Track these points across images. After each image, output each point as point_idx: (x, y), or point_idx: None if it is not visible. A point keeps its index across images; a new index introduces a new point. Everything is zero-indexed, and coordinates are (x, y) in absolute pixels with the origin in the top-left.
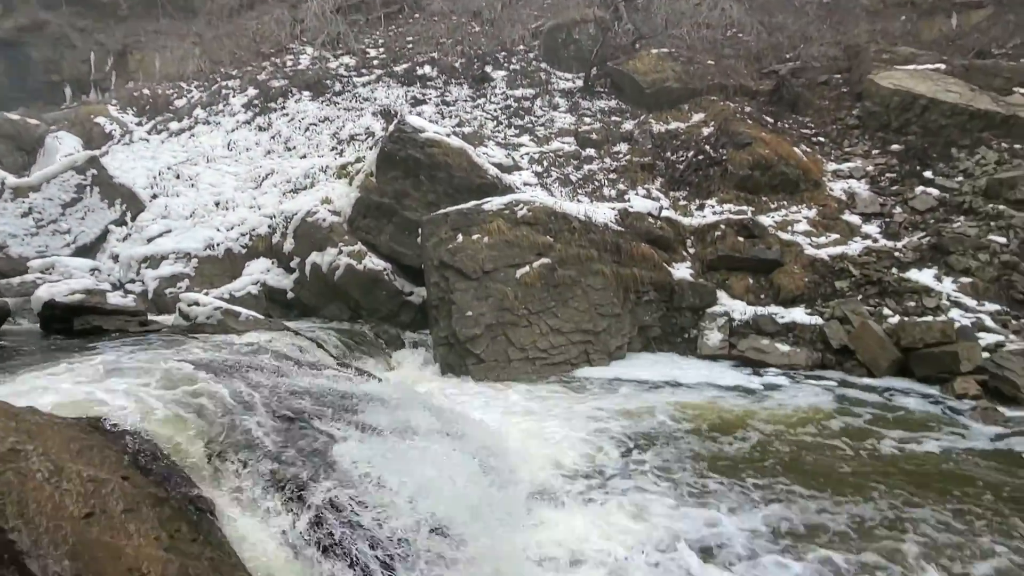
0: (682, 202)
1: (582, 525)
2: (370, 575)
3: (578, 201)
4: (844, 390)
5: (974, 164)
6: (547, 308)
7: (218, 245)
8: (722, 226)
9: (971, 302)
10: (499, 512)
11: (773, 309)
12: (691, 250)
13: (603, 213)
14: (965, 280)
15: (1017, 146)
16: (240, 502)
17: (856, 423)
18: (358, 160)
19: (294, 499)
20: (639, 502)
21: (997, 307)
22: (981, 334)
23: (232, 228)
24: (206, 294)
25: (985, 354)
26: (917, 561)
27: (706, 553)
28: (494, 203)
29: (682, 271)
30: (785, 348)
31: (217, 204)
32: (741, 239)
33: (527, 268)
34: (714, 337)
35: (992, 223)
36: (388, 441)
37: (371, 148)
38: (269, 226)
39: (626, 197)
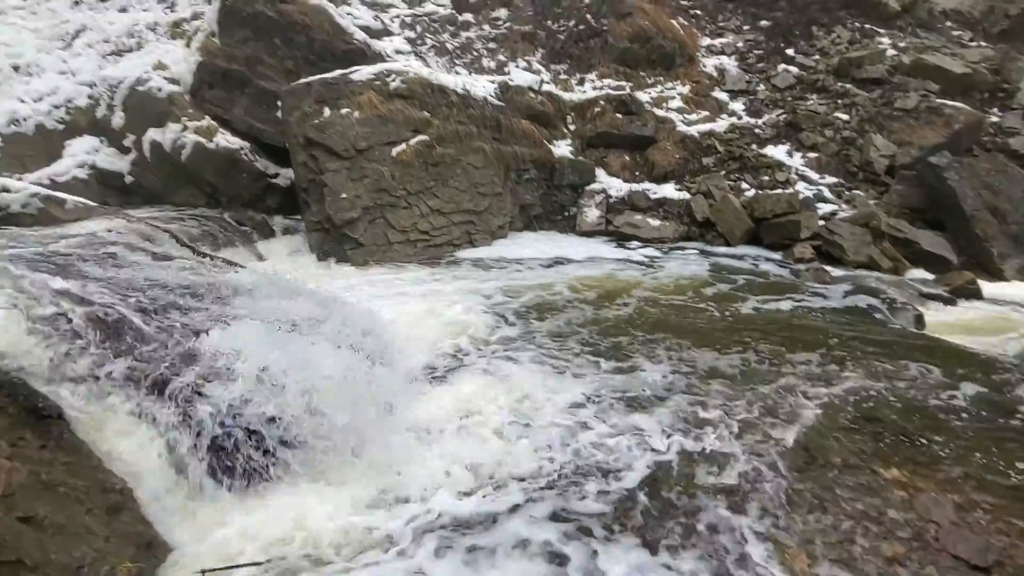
0: (563, 76)
1: (465, 395)
2: (237, 459)
3: (456, 73)
4: (715, 259)
5: (830, 43)
6: (427, 188)
7: (25, 120)
8: (601, 102)
9: (814, 175)
10: (381, 391)
11: (647, 185)
12: (571, 127)
13: (482, 86)
14: (811, 155)
15: (869, 26)
16: (96, 404)
17: (724, 288)
18: (195, 17)
19: (156, 395)
20: (521, 370)
21: (835, 180)
22: (820, 204)
23: (41, 99)
24: (18, 179)
25: (821, 222)
26: (792, 388)
27: (585, 408)
28: (363, 73)
29: (563, 148)
30: (656, 223)
31: (16, 69)
32: (619, 116)
33: (403, 146)
34: (592, 214)
35: (839, 101)
36: (256, 329)
37: (209, 1)
38: (90, 96)
39: (506, 69)
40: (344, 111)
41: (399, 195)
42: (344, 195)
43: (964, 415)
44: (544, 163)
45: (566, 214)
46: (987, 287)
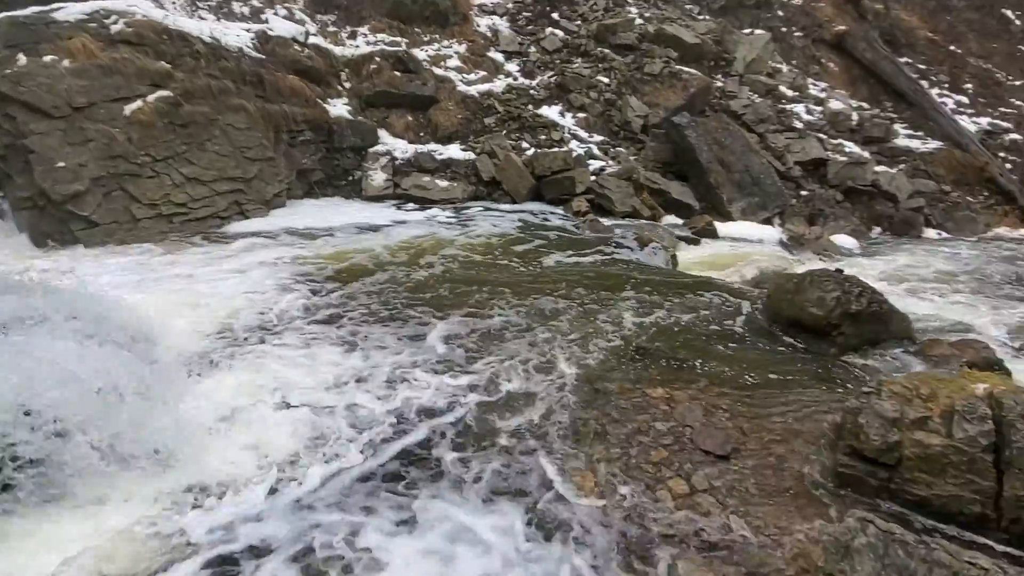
0: (331, 28)
1: (241, 381)
2: None
3: (199, 18)
4: (502, 217)
5: (588, 9)
6: (178, 153)
7: None
8: (377, 58)
9: (584, 134)
10: (142, 388)
11: (432, 147)
12: (347, 84)
13: (236, 35)
14: (581, 115)
15: None
16: None
17: (529, 243)
18: None
19: None
20: (309, 349)
21: (601, 138)
22: (591, 161)
23: None
24: None
25: (592, 177)
26: (579, 330)
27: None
28: (71, 11)
29: (339, 108)
30: (445, 184)
31: None
32: (398, 74)
33: (139, 103)
34: (378, 177)
35: (600, 65)
36: None
37: None
38: None
39: (263, 17)
40: (48, 59)
41: (141, 162)
42: (62, 163)
43: (711, 334)
44: (320, 124)
45: (351, 178)
46: (721, 227)
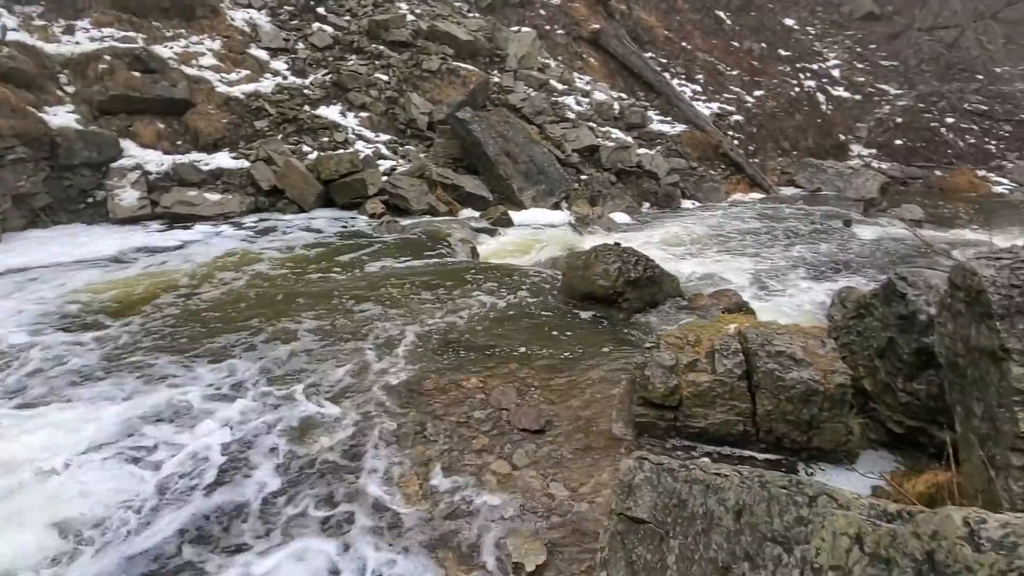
0: (38, 21)
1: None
2: None
3: None
4: (304, 226)
5: (357, 4)
6: None
7: None
8: (107, 57)
9: (370, 134)
10: None
11: (195, 156)
12: (69, 89)
13: None
14: (363, 114)
15: None
16: None
17: (326, 252)
18: None
19: None
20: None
21: (388, 137)
22: (380, 161)
23: None
24: None
25: (384, 178)
26: (386, 333)
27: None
28: None
29: (63, 117)
30: (216, 197)
31: None
32: (137, 74)
33: None
34: (129, 196)
35: (376, 62)
36: None
37: None
38: None
39: None
40: None
41: None
42: None
43: (517, 318)
44: (37, 138)
45: (91, 200)
46: (516, 216)
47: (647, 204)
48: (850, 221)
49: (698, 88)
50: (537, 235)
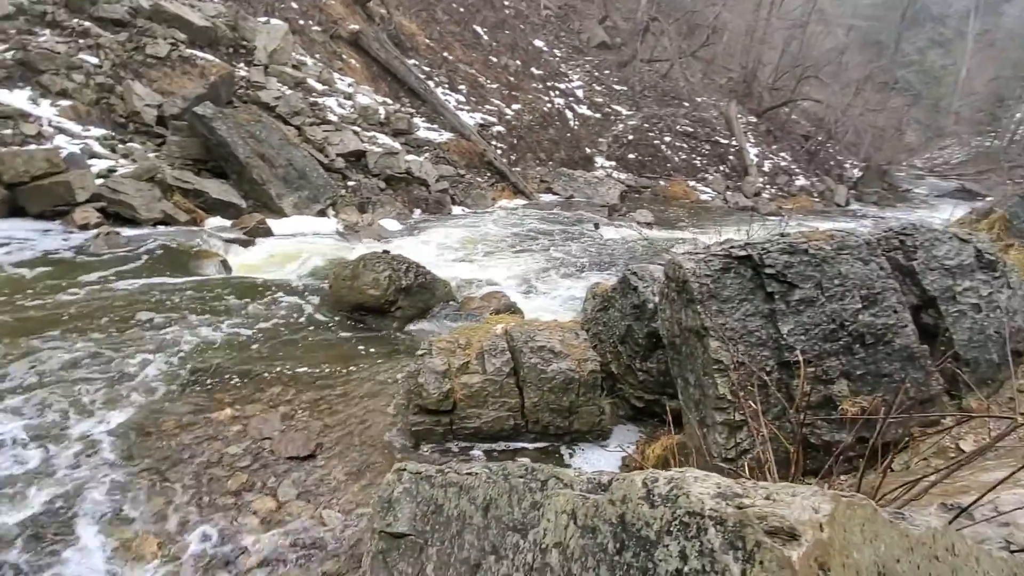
0: None
1: None
2: None
3: None
4: None
5: None
6: None
7: None
8: None
9: (76, 127)
10: None
11: None
12: None
13: None
14: (65, 103)
15: None
16: None
17: (21, 276)
18: None
19: None
20: None
21: (104, 131)
22: (92, 161)
23: None
24: None
25: (99, 180)
26: (115, 365)
27: None
28: None
29: None
30: None
31: None
32: None
33: None
34: None
35: (81, 41)
36: None
37: None
38: None
39: None
40: None
41: None
42: None
43: (279, 336)
44: None
45: None
46: (276, 224)
47: (418, 211)
48: (598, 224)
49: (461, 98)
50: (301, 245)
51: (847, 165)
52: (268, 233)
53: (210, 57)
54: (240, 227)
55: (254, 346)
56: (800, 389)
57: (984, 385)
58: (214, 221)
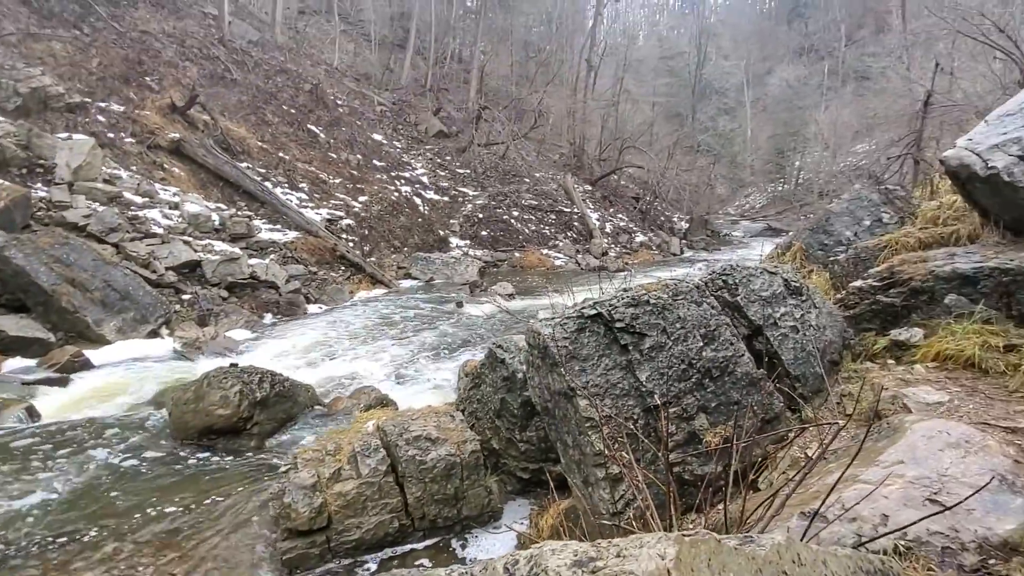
0: None
1: None
2: None
3: None
4: None
5: None
6: None
7: None
8: None
9: None
10: None
11: None
12: None
13: None
14: None
15: None
16: None
17: None
18: None
19: None
20: None
21: None
22: None
23: None
24: None
25: None
26: None
27: None
28: None
29: None
30: None
31: None
32: None
33: None
34: None
35: None
36: None
37: None
38: None
39: None
40: None
41: None
42: None
43: (112, 482)
44: None
45: None
46: (97, 355)
47: (269, 315)
48: (461, 303)
49: (304, 196)
50: (130, 373)
51: (675, 219)
52: (87, 366)
53: (0, 181)
54: (50, 364)
55: (76, 501)
56: (664, 430)
57: (816, 396)
58: (14, 363)
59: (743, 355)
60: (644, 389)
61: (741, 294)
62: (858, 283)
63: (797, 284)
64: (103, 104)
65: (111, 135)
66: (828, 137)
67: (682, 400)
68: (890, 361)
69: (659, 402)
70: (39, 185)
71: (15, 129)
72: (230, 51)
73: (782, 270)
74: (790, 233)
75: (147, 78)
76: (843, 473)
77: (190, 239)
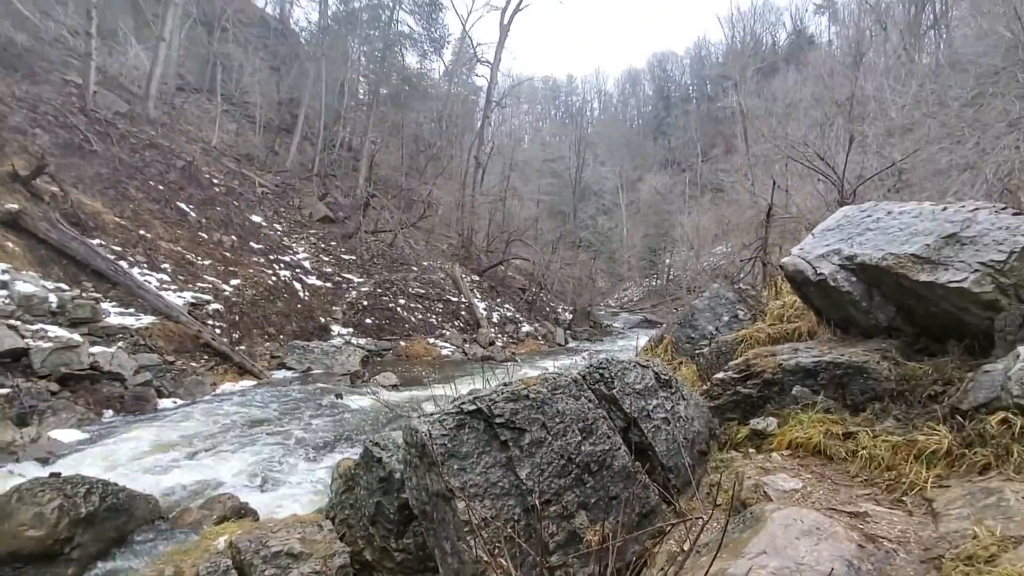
0: None
1: None
2: None
3: None
4: None
5: None
6: None
7: None
8: None
9: None
10: None
11: None
12: None
13: None
14: None
15: None
16: None
17: None
18: None
19: None
20: None
21: None
22: None
23: None
24: None
25: None
26: None
27: None
28: None
29: None
30: None
31: None
32: None
33: None
34: None
35: None
36: None
37: None
38: None
39: None
40: None
41: None
42: None
43: None
44: None
45: None
46: None
47: (110, 412)
48: (341, 395)
49: (166, 277)
50: None
51: (560, 310)
52: None
53: None
54: None
55: None
56: (542, 534)
57: (687, 486)
58: None
59: (620, 448)
60: (524, 487)
61: (617, 387)
62: (720, 375)
63: (667, 377)
64: None
65: None
66: (692, 239)
67: (562, 497)
68: (751, 450)
69: (536, 502)
70: None
71: None
72: (92, 121)
73: (653, 363)
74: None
75: None
76: (709, 568)
77: (17, 323)
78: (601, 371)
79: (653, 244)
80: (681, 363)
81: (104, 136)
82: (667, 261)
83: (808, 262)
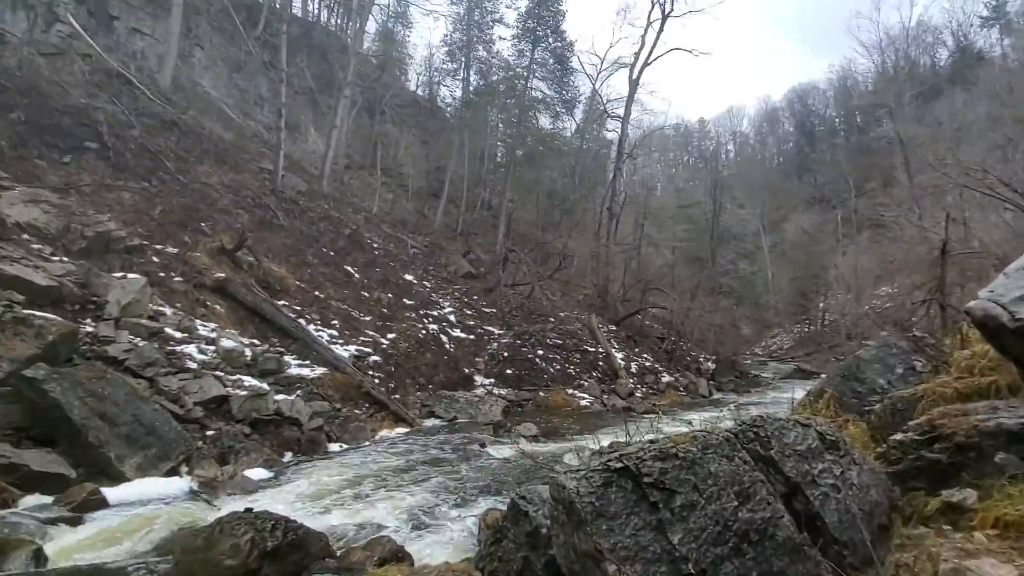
0: None
1: None
2: None
3: None
4: None
5: None
6: None
7: None
8: None
9: None
10: None
11: None
12: None
13: None
14: None
15: None
16: None
17: None
18: None
19: None
20: None
21: None
22: None
23: None
24: None
25: None
26: None
27: None
28: None
29: None
30: None
31: None
32: None
33: None
34: None
35: None
36: None
37: None
38: None
39: None
40: None
41: None
42: None
43: None
44: None
45: None
46: (113, 493)
47: (289, 454)
48: (484, 443)
49: (335, 332)
50: (143, 514)
51: (701, 359)
52: (102, 504)
53: (51, 316)
54: (66, 502)
55: None
56: None
57: (867, 566)
58: (31, 500)
59: (783, 516)
60: (678, 554)
61: (775, 448)
62: (899, 436)
63: (834, 438)
64: (159, 246)
65: (162, 274)
66: (850, 280)
67: (720, 568)
68: (945, 526)
69: (693, 570)
70: (88, 320)
71: (75, 268)
72: (280, 200)
73: (815, 422)
74: (822, 377)
75: (202, 224)
76: None
77: (222, 374)
78: (756, 429)
79: (803, 287)
80: (848, 421)
81: (289, 212)
82: (821, 305)
83: (1003, 306)
